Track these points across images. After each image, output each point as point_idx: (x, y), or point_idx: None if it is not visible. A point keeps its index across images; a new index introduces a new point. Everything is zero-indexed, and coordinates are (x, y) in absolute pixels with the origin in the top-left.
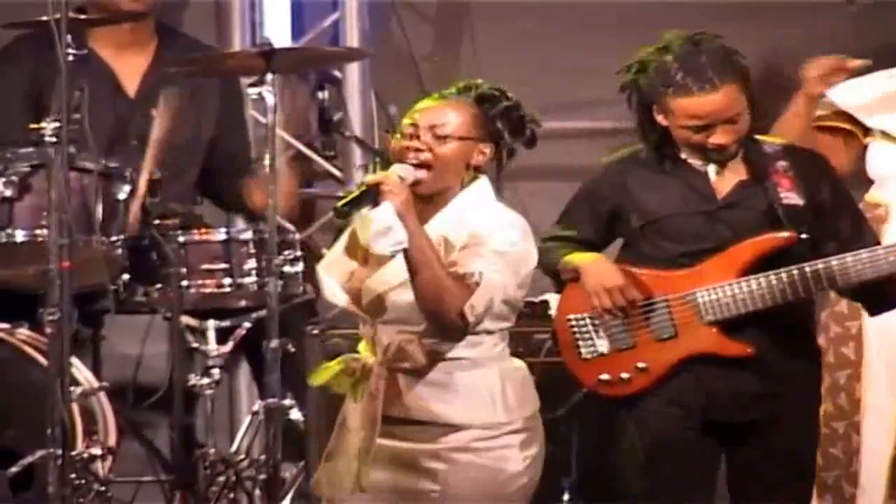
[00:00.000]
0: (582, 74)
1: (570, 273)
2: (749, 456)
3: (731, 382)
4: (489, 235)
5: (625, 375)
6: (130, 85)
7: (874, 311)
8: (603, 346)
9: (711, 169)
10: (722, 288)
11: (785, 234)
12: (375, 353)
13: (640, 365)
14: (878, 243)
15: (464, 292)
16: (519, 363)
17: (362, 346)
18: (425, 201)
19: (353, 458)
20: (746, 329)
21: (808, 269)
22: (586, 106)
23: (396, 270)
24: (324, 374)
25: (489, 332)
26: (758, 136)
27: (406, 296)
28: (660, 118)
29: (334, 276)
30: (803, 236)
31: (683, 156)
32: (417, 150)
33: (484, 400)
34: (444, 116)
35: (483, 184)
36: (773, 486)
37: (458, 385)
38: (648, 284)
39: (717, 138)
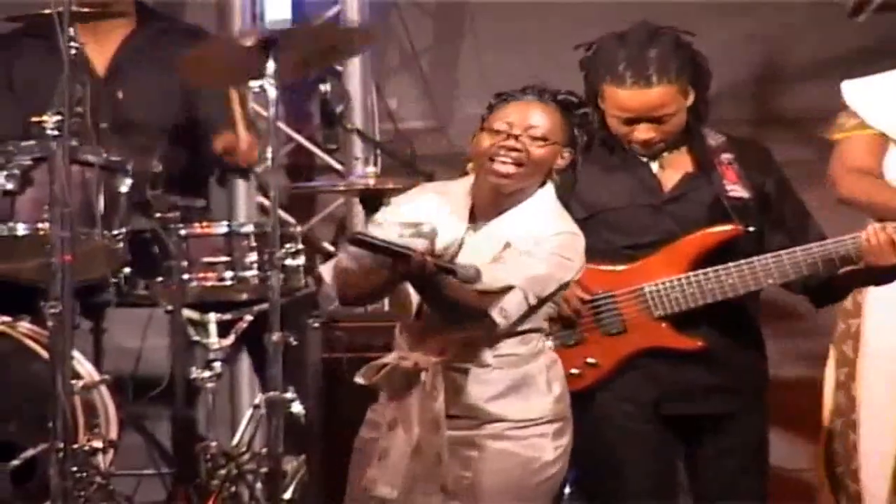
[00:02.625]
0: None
1: None
2: (705, 450)
3: (682, 376)
4: (547, 240)
5: (575, 371)
6: (100, 67)
7: (820, 304)
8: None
9: (654, 163)
10: (671, 282)
11: (731, 227)
12: (419, 350)
13: (590, 360)
14: (825, 237)
15: (485, 298)
16: (554, 355)
17: (401, 344)
18: (497, 200)
19: (405, 457)
20: (696, 323)
21: (757, 263)
22: None
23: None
24: (371, 371)
25: (538, 330)
26: (703, 129)
27: None
28: (600, 103)
29: None
30: (750, 229)
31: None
32: (512, 149)
33: (531, 394)
34: (539, 118)
35: (550, 191)
36: (730, 480)
37: (508, 381)
38: (595, 280)
39: (640, 133)
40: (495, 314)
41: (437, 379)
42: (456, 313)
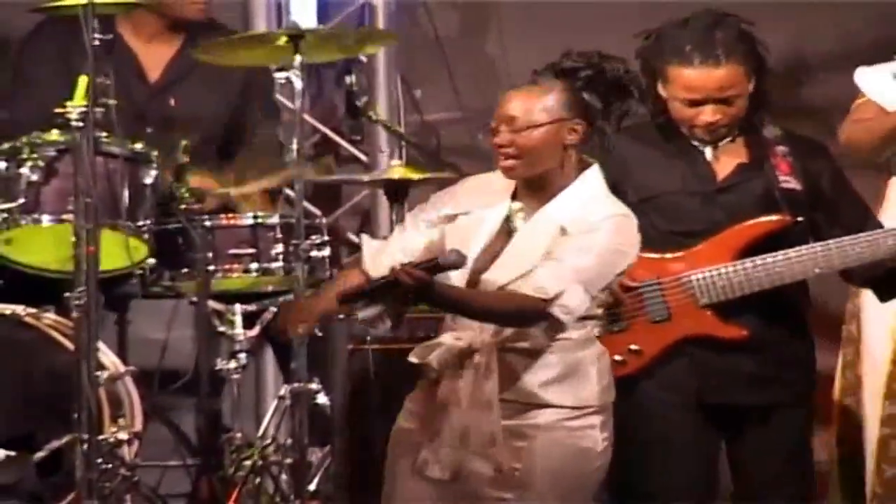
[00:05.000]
0: None
1: None
2: (747, 441)
3: (725, 365)
4: (600, 227)
5: (618, 357)
6: (153, 73)
7: (885, 297)
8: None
9: (707, 150)
10: (718, 271)
11: (779, 217)
12: (473, 331)
13: (634, 347)
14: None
15: (530, 299)
16: (602, 346)
17: (454, 324)
18: (534, 187)
19: (457, 439)
20: (741, 312)
21: (804, 251)
22: None
23: (514, 261)
24: (425, 351)
25: (592, 317)
26: (760, 121)
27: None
28: (661, 90)
29: None
30: (799, 219)
31: (685, 135)
32: (500, 145)
33: (583, 381)
34: (516, 107)
35: (595, 172)
36: (774, 471)
37: (562, 366)
38: (641, 267)
39: (706, 116)
40: (558, 312)
41: (492, 359)
42: (492, 318)
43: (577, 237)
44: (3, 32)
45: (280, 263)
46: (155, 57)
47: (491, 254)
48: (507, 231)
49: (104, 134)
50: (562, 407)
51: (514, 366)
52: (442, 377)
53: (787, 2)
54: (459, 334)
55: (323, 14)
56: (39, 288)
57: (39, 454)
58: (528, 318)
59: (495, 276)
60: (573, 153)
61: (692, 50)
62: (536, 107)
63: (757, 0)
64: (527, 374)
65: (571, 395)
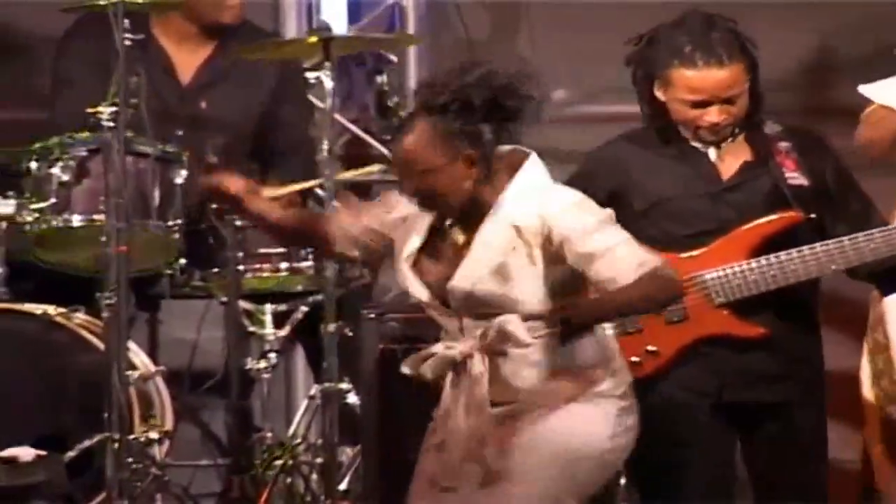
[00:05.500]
0: None
1: None
2: (763, 438)
3: (742, 364)
4: (575, 220)
5: (635, 359)
6: (185, 75)
7: (886, 292)
8: (608, 330)
9: (711, 151)
10: (732, 270)
11: (792, 213)
12: (464, 338)
13: (650, 348)
14: (888, 223)
15: (649, 281)
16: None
17: (444, 337)
18: (474, 209)
19: (460, 447)
20: (755, 310)
21: (819, 249)
22: None
23: (476, 265)
24: (416, 361)
25: None
26: (759, 119)
27: (491, 286)
28: (659, 93)
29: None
30: (811, 216)
31: (685, 137)
32: (412, 198)
33: (570, 376)
34: (397, 156)
35: (533, 163)
36: (789, 468)
37: (559, 357)
38: None
39: (712, 116)
40: (670, 277)
41: (483, 365)
42: (638, 310)
43: (575, 241)
44: (41, 34)
45: (310, 263)
46: (187, 59)
47: (445, 265)
48: (452, 244)
49: (134, 134)
50: (554, 401)
51: (503, 369)
52: (440, 386)
53: (816, 2)
54: (450, 343)
55: (353, 14)
56: (70, 288)
57: (70, 454)
58: (662, 291)
59: (461, 284)
60: (485, 166)
61: (693, 51)
62: (417, 149)
63: (787, 0)
64: (515, 375)
65: (563, 388)
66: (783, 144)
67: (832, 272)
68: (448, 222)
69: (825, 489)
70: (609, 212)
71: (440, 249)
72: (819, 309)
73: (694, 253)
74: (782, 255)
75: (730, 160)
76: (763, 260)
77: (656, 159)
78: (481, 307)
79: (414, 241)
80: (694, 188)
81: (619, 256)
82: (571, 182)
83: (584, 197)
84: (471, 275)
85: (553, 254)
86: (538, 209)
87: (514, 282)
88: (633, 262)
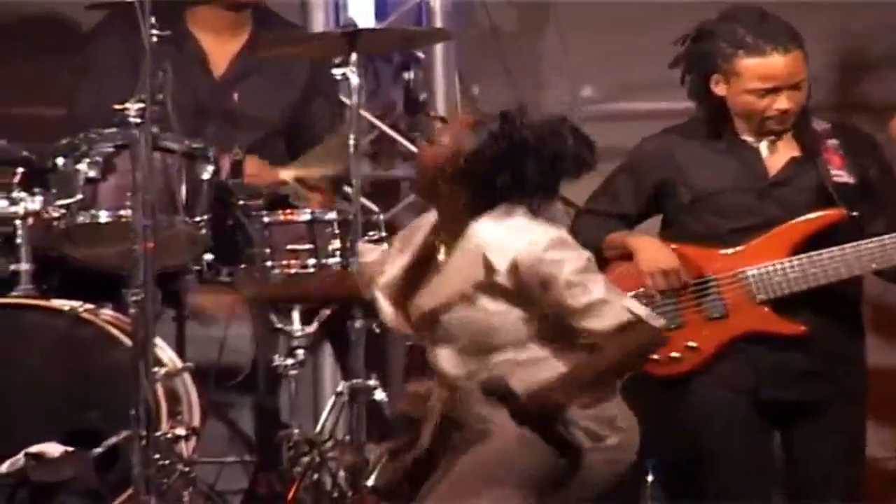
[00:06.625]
0: (670, 55)
1: (616, 251)
2: (801, 436)
3: (781, 361)
4: (549, 257)
5: (675, 355)
6: (219, 67)
7: None
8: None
9: (763, 145)
10: (774, 266)
11: (835, 211)
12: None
13: (691, 344)
14: None
15: (626, 336)
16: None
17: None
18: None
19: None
20: (796, 307)
21: (862, 247)
22: (673, 87)
23: (442, 286)
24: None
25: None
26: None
27: (456, 313)
28: (718, 88)
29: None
30: (854, 214)
31: (737, 131)
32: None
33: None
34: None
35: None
36: (826, 467)
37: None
38: (698, 263)
39: (782, 103)
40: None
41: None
42: (622, 371)
43: (565, 289)
44: (67, 31)
45: (337, 259)
46: (222, 51)
47: (421, 282)
48: (436, 262)
49: (161, 130)
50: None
51: (472, 398)
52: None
53: (844, 1)
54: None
55: (381, 11)
56: (97, 284)
57: (97, 450)
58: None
59: (423, 302)
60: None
61: (756, 39)
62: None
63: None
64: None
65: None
66: (831, 141)
67: (872, 271)
68: (439, 236)
69: (860, 488)
70: (588, 255)
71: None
72: (863, 308)
73: (736, 249)
74: (824, 252)
75: (777, 155)
76: (805, 257)
77: (705, 153)
78: (440, 332)
79: (398, 263)
80: (741, 183)
81: (603, 305)
82: (618, 172)
83: (561, 230)
84: (433, 297)
85: (526, 293)
86: (517, 243)
87: (484, 311)
88: (618, 308)
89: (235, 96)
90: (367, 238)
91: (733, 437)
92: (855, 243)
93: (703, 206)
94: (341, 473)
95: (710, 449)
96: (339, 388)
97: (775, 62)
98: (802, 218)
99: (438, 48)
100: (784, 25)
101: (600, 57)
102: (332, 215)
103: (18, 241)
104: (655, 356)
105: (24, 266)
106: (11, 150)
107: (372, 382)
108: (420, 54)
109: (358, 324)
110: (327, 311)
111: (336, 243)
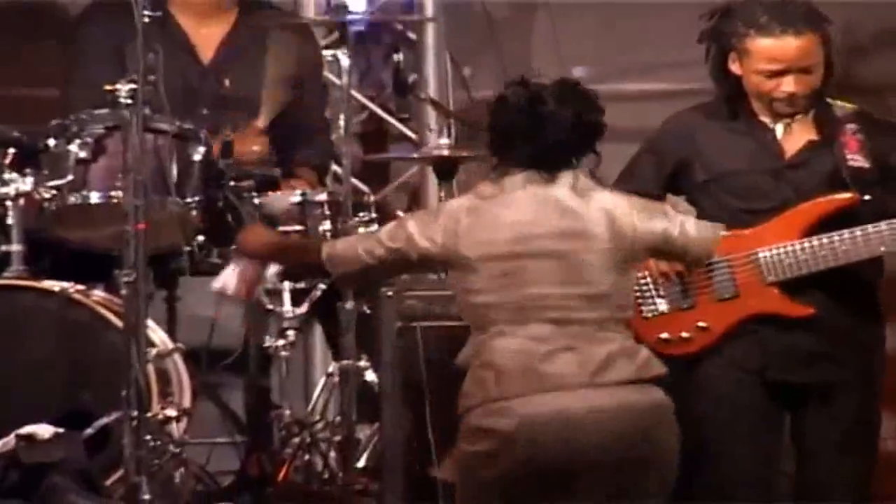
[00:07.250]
0: (660, 37)
1: None
2: (809, 419)
3: (789, 343)
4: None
5: (685, 335)
6: (205, 53)
7: None
8: (663, 305)
9: (779, 127)
10: (785, 248)
11: (847, 195)
12: None
13: (701, 324)
14: None
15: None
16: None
17: None
18: None
19: None
20: (807, 289)
21: (871, 230)
22: (665, 68)
23: None
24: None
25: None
26: (829, 99)
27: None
28: (734, 66)
29: None
30: (867, 198)
31: (755, 111)
32: None
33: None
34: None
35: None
36: (838, 449)
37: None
38: None
39: (788, 86)
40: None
41: None
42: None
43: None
44: (59, 15)
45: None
46: (207, 37)
47: None
48: None
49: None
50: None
51: None
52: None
53: None
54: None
55: None
56: (89, 265)
57: (88, 431)
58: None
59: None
60: None
61: (770, 20)
62: None
63: None
64: None
65: None
66: (850, 126)
67: (882, 253)
68: None
69: (870, 472)
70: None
71: None
72: (880, 292)
73: (748, 230)
74: (834, 235)
75: (794, 138)
76: (815, 240)
77: (723, 133)
78: None
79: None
80: (757, 164)
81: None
82: (642, 153)
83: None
84: None
85: None
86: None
87: None
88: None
89: (227, 82)
90: (357, 219)
91: (742, 418)
92: (864, 226)
93: (717, 187)
94: (332, 454)
95: (719, 429)
96: (330, 369)
97: (784, 44)
98: (816, 200)
99: (429, 29)
100: (804, 8)
101: (590, 38)
102: (322, 196)
103: (10, 221)
104: (666, 335)
105: (16, 247)
106: (2, 131)
107: (363, 363)
108: (411, 35)
109: (349, 304)
110: (318, 293)
111: (326, 224)
